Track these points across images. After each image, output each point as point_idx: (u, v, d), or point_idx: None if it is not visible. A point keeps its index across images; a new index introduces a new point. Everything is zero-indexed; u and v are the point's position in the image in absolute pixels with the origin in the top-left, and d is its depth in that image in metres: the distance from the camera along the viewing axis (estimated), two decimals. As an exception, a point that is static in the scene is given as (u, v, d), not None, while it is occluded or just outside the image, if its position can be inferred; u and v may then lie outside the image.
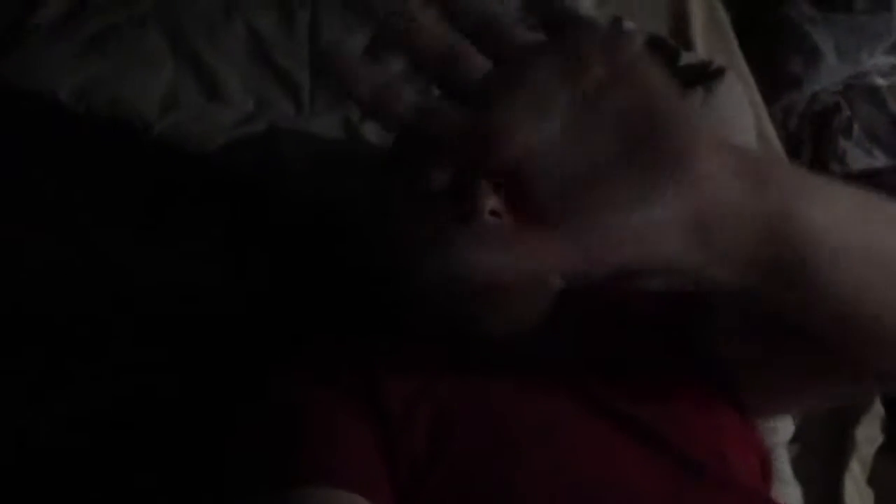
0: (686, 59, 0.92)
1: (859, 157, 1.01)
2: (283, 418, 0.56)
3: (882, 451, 0.80)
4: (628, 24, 0.98)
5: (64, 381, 0.64)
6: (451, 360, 0.61)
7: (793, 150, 1.02)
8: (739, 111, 0.84)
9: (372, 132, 0.89)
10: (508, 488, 0.52)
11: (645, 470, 0.53)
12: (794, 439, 0.80)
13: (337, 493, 0.49)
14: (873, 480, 0.78)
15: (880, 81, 1.08)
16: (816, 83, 1.07)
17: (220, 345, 0.72)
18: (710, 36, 1.02)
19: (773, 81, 1.10)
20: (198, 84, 0.88)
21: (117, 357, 0.66)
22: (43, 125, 0.75)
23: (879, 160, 1.02)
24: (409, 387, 0.58)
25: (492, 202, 0.62)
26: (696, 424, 0.58)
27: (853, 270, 0.34)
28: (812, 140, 1.05)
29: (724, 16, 1.05)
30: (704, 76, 0.87)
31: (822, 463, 0.78)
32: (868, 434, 0.82)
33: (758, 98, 0.99)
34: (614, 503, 0.51)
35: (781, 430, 0.78)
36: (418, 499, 0.52)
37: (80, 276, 0.65)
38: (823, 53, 1.06)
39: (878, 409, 0.85)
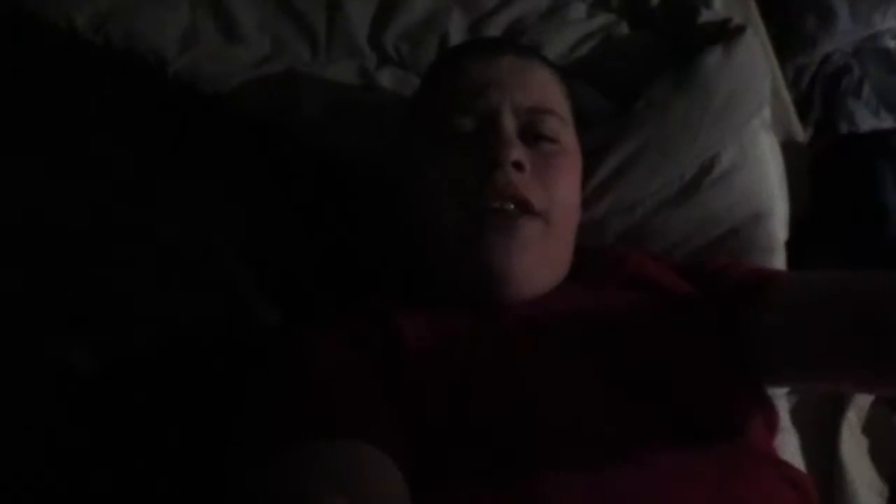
0: (706, 16, 0.91)
1: (867, 118, 1.03)
2: (304, 375, 0.56)
3: (877, 401, 0.84)
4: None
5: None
6: (470, 321, 0.61)
7: (803, 109, 1.03)
8: (757, 68, 0.84)
9: (387, 80, 0.89)
10: (529, 449, 0.52)
11: (656, 437, 0.55)
12: (792, 390, 0.83)
13: (353, 444, 0.49)
14: (868, 429, 0.82)
15: (892, 44, 1.09)
16: (830, 44, 1.07)
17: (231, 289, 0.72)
18: (729, -6, 1.02)
19: (787, 40, 1.10)
20: (215, 23, 0.87)
21: (142, 305, 0.66)
22: (61, 55, 0.74)
23: (886, 122, 1.03)
24: (428, 346, 0.58)
25: (516, 153, 0.62)
26: (700, 383, 0.58)
27: None
28: (822, 100, 1.06)
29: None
30: (724, 34, 0.87)
31: (819, 412, 0.81)
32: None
33: (772, 57, 1.00)
34: (628, 469, 0.52)
35: (781, 381, 0.81)
36: (442, 459, 0.52)
37: (87, 206, 0.65)
38: (837, 14, 1.06)
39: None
